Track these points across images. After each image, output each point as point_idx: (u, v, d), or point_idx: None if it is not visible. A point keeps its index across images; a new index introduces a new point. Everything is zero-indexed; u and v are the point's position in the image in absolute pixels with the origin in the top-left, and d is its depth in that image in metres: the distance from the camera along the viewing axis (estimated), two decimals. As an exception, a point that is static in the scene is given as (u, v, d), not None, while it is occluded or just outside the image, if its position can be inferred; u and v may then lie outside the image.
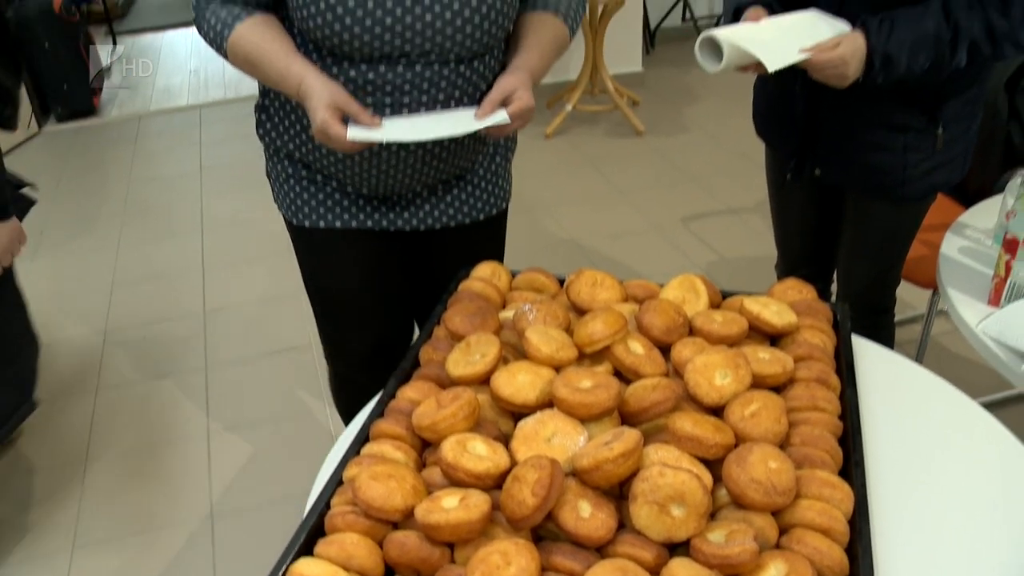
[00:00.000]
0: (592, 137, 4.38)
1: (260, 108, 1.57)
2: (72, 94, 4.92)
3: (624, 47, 5.03)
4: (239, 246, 3.56)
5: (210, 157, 4.42)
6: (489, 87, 1.42)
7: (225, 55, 1.41)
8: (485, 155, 1.60)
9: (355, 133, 1.31)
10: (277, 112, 1.53)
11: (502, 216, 1.71)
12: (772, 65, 1.43)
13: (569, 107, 4.43)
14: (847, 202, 1.85)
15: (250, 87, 1.34)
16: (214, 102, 5.15)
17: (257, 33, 1.37)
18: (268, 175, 1.64)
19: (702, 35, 1.48)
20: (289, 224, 1.63)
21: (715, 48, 1.47)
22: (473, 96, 1.42)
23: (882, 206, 1.77)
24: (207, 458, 2.44)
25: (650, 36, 5.52)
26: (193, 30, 6.25)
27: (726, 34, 1.45)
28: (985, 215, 1.85)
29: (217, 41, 1.40)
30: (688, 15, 5.70)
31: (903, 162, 1.67)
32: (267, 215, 3.70)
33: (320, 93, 1.31)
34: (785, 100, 1.74)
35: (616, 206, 3.72)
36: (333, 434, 2.48)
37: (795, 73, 1.49)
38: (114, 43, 6.19)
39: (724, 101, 4.69)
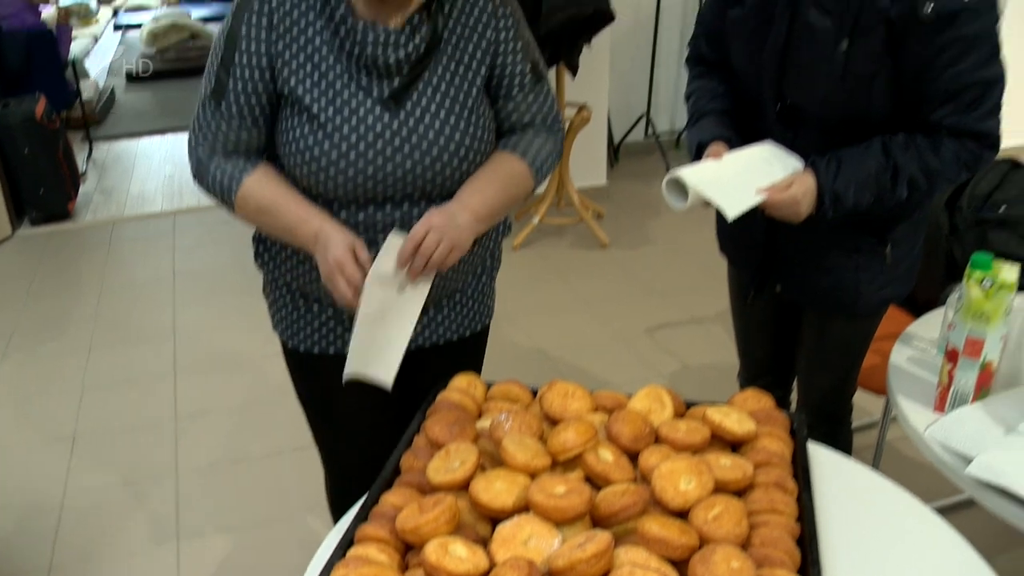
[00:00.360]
0: (558, 249, 4.50)
1: (258, 240, 1.62)
2: (48, 198, 4.97)
3: (589, 161, 5.22)
4: (211, 352, 3.58)
5: (183, 263, 4.47)
6: None
7: (232, 207, 1.46)
8: (474, 275, 1.67)
9: (363, 370, 1.45)
10: (275, 243, 1.58)
11: (485, 331, 1.77)
12: (731, 213, 1.53)
13: (536, 220, 4.56)
14: (805, 316, 1.94)
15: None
16: (188, 209, 5.22)
17: (270, 185, 1.45)
18: (265, 296, 1.70)
19: (667, 176, 1.57)
20: (285, 347, 1.68)
21: (680, 187, 1.57)
22: None
23: (838, 321, 1.87)
24: (176, 567, 2.42)
25: (614, 150, 5.73)
26: (168, 136, 6.27)
27: (690, 178, 1.54)
28: (930, 326, 1.94)
29: (225, 194, 1.46)
30: (651, 131, 5.93)
31: (856, 280, 1.78)
32: (239, 322, 3.75)
33: (340, 238, 1.39)
34: (746, 225, 1.85)
35: (582, 316, 3.82)
36: (306, 541, 2.48)
37: None
38: (90, 149, 6.30)
39: (685, 214, 4.76)
